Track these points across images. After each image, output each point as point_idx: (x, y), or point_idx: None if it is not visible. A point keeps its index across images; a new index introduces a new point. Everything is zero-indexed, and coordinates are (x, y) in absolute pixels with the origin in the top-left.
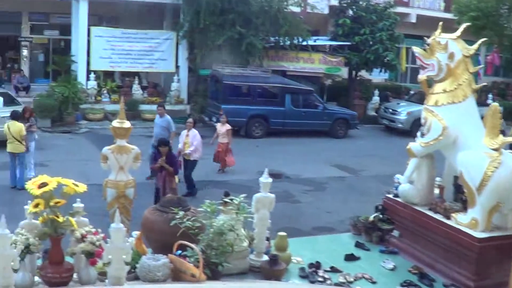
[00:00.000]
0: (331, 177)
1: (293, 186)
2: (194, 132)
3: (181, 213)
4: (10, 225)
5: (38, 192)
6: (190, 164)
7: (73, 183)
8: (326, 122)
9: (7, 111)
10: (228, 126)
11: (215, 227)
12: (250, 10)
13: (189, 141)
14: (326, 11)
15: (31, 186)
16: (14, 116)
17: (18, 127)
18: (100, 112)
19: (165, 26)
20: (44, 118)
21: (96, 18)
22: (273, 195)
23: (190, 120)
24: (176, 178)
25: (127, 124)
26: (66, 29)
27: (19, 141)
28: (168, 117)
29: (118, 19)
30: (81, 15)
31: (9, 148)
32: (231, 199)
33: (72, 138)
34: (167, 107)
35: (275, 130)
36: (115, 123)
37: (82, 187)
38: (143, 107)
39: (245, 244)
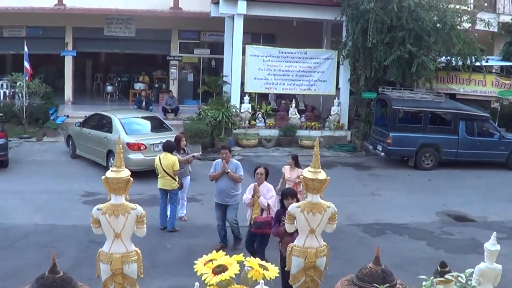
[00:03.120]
0: None
1: (481, 232)
2: (269, 186)
3: None
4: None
5: (214, 280)
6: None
7: (260, 265)
8: (503, 153)
9: (156, 138)
10: (301, 171)
11: None
12: (421, 27)
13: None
14: (496, 28)
15: (203, 269)
16: (167, 148)
17: (171, 160)
18: (255, 138)
19: (325, 44)
20: (195, 144)
21: (250, 36)
22: (500, 266)
23: (261, 170)
24: None
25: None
26: (217, 48)
27: (171, 176)
28: (236, 161)
29: (274, 37)
30: (236, 32)
31: (160, 184)
32: (454, 275)
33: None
34: (326, 133)
35: (446, 161)
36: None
37: (273, 271)
38: (301, 132)
39: None
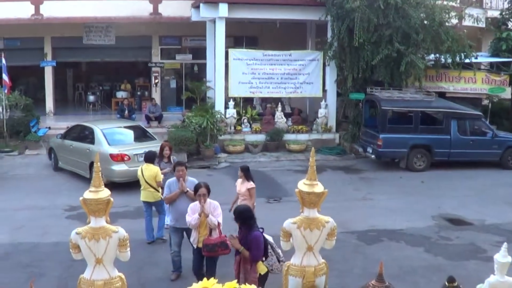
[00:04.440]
0: None
1: (479, 236)
2: (214, 204)
3: None
4: None
5: None
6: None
7: None
8: (496, 152)
9: (139, 148)
10: (250, 184)
11: None
12: (409, 24)
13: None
14: (484, 24)
15: None
16: (148, 158)
17: (153, 171)
18: (241, 144)
19: (309, 45)
20: (180, 151)
21: (232, 40)
22: (511, 279)
23: (203, 191)
24: (262, 267)
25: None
26: (199, 53)
27: (154, 188)
28: (192, 179)
29: (257, 39)
30: (218, 36)
31: (143, 196)
32: None
33: (211, 174)
34: (314, 136)
35: (439, 162)
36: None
37: None
38: (288, 136)
39: None
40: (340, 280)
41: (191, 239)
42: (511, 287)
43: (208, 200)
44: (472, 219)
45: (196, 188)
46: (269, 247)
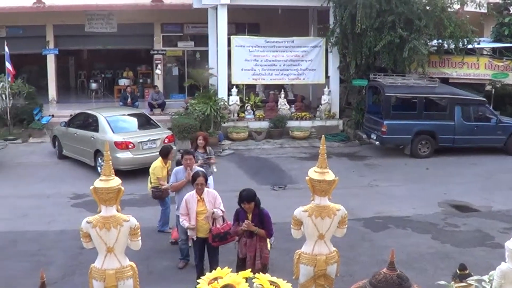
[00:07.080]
0: None
1: (486, 223)
2: (213, 193)
3: None
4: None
5: None
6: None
7: (271, 282)
8: (500, 137)
9: (144, 136)
10: None
11: None
12: (411, 10)
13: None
14: (486, 9)
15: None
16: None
17: (152, 165)
18: (244, 131)
19: (312, 32)
20: (184, 139)
21: (234, 27)
22: None
23: (201, 180)
24: (268, 243)
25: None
26: (201, 40)
27: (151, 180)
28: (199, 168)
29: (259, 26)
30: (220, 23)
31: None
32: (475, 279)
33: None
34: (317, 123)
35: (442, 148)
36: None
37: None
38: (291, 123)
39: None
40: (348, 268)
41: (189, 233)
42: None
43: (206, 189)
44: (478, 205)
45: (194, 177)
46: None
